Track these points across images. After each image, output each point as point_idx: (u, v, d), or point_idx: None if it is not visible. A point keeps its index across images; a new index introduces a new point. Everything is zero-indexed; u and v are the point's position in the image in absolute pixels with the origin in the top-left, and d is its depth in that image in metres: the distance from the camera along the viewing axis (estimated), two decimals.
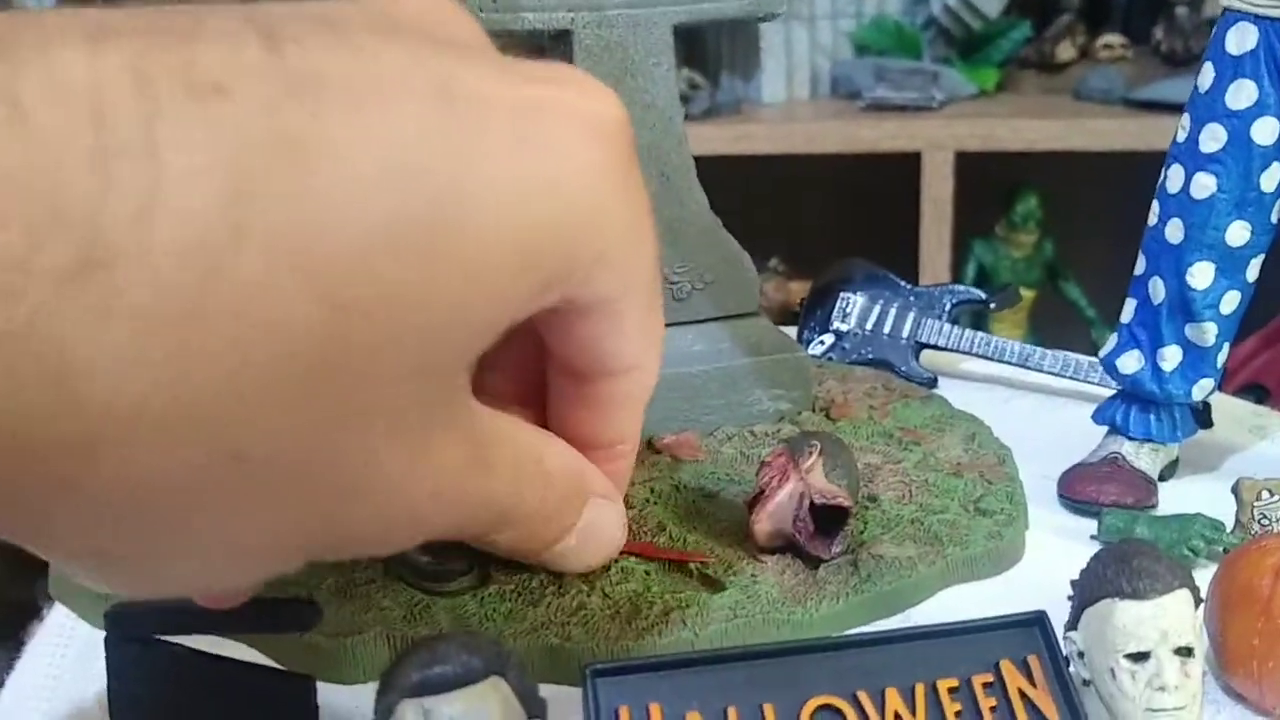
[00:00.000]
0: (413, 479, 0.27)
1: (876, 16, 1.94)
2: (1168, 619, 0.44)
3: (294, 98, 0.23)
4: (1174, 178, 0.61)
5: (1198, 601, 0.46)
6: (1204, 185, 0.60)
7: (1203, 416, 0.70)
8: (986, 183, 1.79)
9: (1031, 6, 2.01)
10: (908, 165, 1.77)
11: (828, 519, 0.56)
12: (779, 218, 1.93)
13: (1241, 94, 0.58)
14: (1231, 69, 0.58)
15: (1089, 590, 0.46)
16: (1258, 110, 0.58)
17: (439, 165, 0.24)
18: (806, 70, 1.92)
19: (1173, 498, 0.66)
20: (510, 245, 0.26)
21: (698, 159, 0.70)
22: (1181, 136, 0.61)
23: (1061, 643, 0.48)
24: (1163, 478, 0.68)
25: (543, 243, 0.27)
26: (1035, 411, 0.78)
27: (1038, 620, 0.48)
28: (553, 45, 0.65)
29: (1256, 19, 0.57)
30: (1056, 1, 2.03)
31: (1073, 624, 0.47)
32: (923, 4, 1.96)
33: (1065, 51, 1.94)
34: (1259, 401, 1.78)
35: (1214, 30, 0.59)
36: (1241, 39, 0.58)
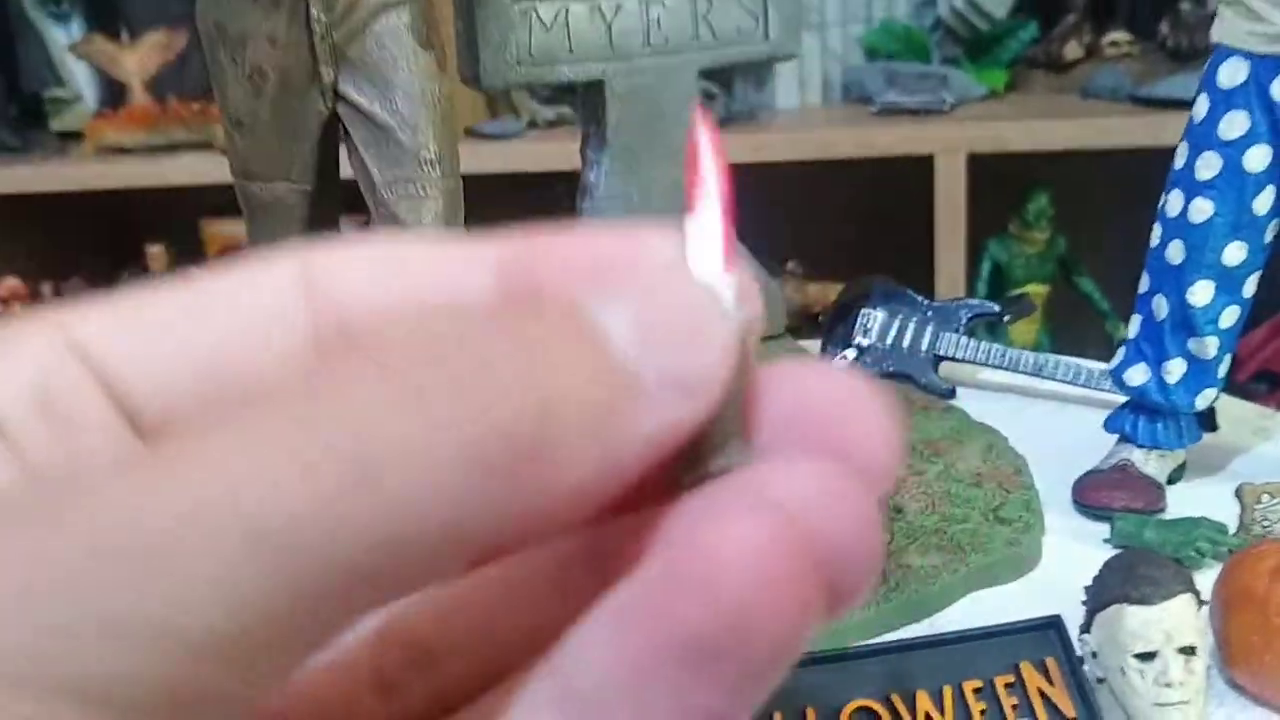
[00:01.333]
0: None
1: (885, 21, 1.97)
2: (1171, 621, 0.49)
3: None
4: (1173, 202, 0.65)
5: (1199, 603, 0.50)
6: (1201, 210, 0.64)
7: (1208, 420, 0.74)
8: (998, 182, 1.83)
9: (1038, 6, 2.04)
10: (921, 168, 1.80)
11: None
12: (796, 222, 1.97)
13: (1234, 125, 0.62)
14: (1224, 101, 0.62)
15: (1099, 596, 0.51)
16: (1249, 139, 0.62)
17: None
18: (818, 77, 1.95)
19: (1181, 500, 0.70)
20: None
21: None
22: (1179, 164, 0.65)
23: (1076, 644, 0.52)
24: (1171, 481, 0.72)
25: None
26: (1050, 419, 0.83)
27: (1053, 624, 0.52)
28: (585, 94, 0.69)
29: (1247, 55, 0.61)
30: (1063, 0, 2.05)
31: (1086, 627, 0.52)
32: (930, 7, 1.99)
33: (1072, 50, 1.97)
34: (1271, 389, 1.81)
35: (1206, 64, 0.63)
36: (1233, 73, 0.62)
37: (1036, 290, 1.88)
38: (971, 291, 1.81)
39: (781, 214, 1.99)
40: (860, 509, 0.16)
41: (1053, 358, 0.84)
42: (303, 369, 0.17)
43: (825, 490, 0.16)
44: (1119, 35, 1.98)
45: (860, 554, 0.16)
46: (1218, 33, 0.62)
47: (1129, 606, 0.49)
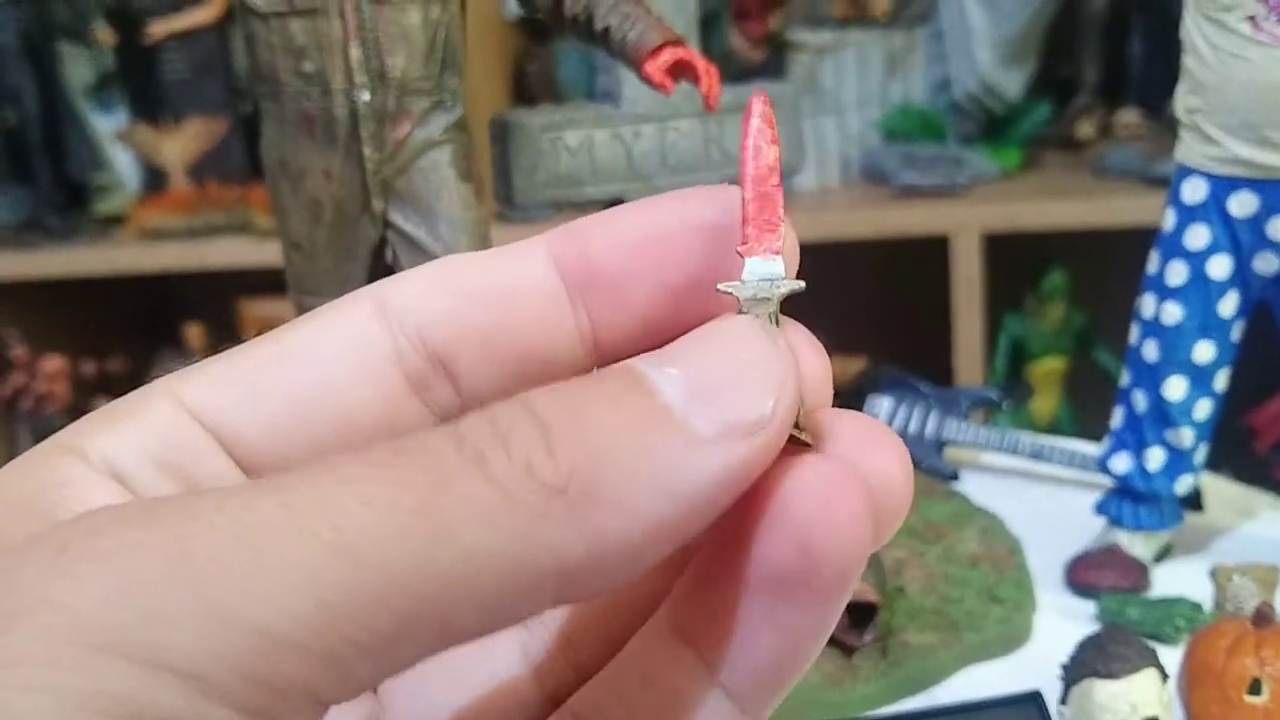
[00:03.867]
0: None
1: (902, 104, 2.03)
2: (1136, 694, 0.54)
3: None
4: (1147, 305, 0.71)
5: (1164, 677, 0.56)
6: (1171, 313, 0.69)
7: (1194, 502, 0.80)
8: (1014, 260, 1.87)
9: (1051, 87, 2.09)
10: (938, 246, 1.85)
11: (859, 612, 0.66)
12: (817, 299, 2.01)
13: (1197, 237, 0.68)
14: (1188, 215, 0.68)
15: (1074, 671, 0.56)
16: (1211, 250, 0.68)
17: None
18: (837, 159, 2.01)
19: (1166, 579, 0.75)
20: None
21: None
22: (1152, 270, 0.71)
23: (1055, 716, 0.57)
24: (1158, 560, 0.77)
25: None
26: (1047, 501, 0.88)
27: (1034, 698, 0.58)
28: None
29: (1205, 174, 0.67)
30: (1074, 81, 2.11)
31: (1063, 699, 0.57)
32: (945, 90, 2.05)
33: (1084, 130, 2.02)
34: None
35: (1172, 181, 0.69)
36: (1194, 191, 0.68)
37: (1055, 364, 1.93)
38: (990, 367, 1.87)
39: (803, 292, 2.05)
40: (898, 450, 0.20)
41: (1050, 442, 0.90)
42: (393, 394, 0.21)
43: (867, 440, 0.20)
44: (1130, 115, 2.04)
45: (899, 485, 0.19)
46: (1179, 154, 0.68)
47: (1098, 680, 0.55)
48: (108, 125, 1.97)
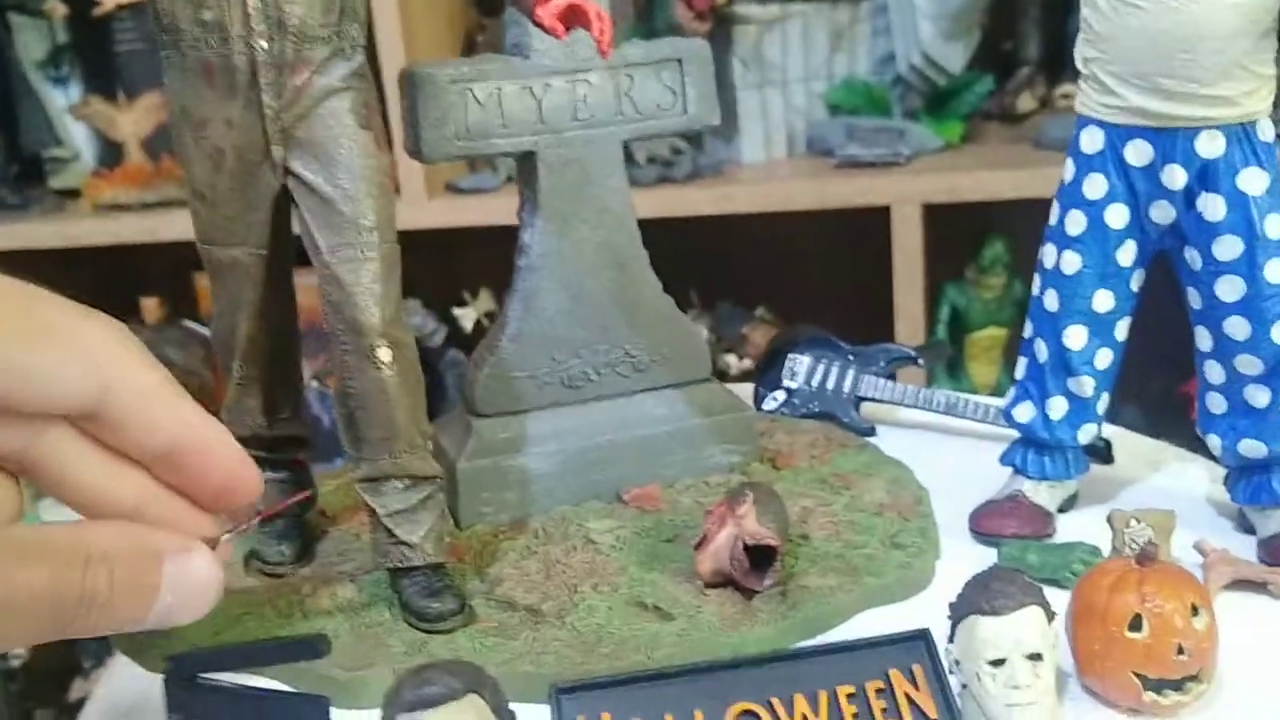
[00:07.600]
0: None
1: (847, 77, 2.04)
2: (1019, 630, 0.55)
3: None
4: (1049, 255, 0.72)
5: (1049, 615, 0.57)
6: (1071, 262, 0.70)
7: (1105, 454, 0.81)
8: (955, 230, 1.89)
9: (993, 60, 2.11)
10: (879, 217, 1.86)
11: (761, 557, 0.66)
12: (764, 270, 2.03)
13: (1095, 186, 0.69)
14: (1086, 165, 0.69)
15: (959, 609, 0.57)
16: (1109, 199, 0.69)
17: None
18: (783, 132, 2.01)
19: (1072, 526, 0.76)
20: None
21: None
22: (1053, 220, 0.72)
23: (943, 654, 0.58)
24: (1064, 509, 0.78)
25: None
26: (959, 454, 0.89)
27: (921, 636, 0.59)
28: (520, 163, 0.76)
29: (1101, 123, 0.68)
30: (1016, 54, 2.12)
31: (950, 638, 0.58)
32: (890, 63, 2.06)
33: (1026, 103, 2.03)
34: None
35: (1072, 131, 0.70)
36: (1092, 140, 0.69)
37: (995, 334, 1.95)
38: (932, 334, 1.88)
39: (750, 262, 2.06)
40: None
41: (964, 397, 0.91)
42: None
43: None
44: (1071, 88, 2.04)
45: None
46: (1078, 104, 0.69)
47: (982, 618, 0.55)
48: (61, 99, 1.95)
